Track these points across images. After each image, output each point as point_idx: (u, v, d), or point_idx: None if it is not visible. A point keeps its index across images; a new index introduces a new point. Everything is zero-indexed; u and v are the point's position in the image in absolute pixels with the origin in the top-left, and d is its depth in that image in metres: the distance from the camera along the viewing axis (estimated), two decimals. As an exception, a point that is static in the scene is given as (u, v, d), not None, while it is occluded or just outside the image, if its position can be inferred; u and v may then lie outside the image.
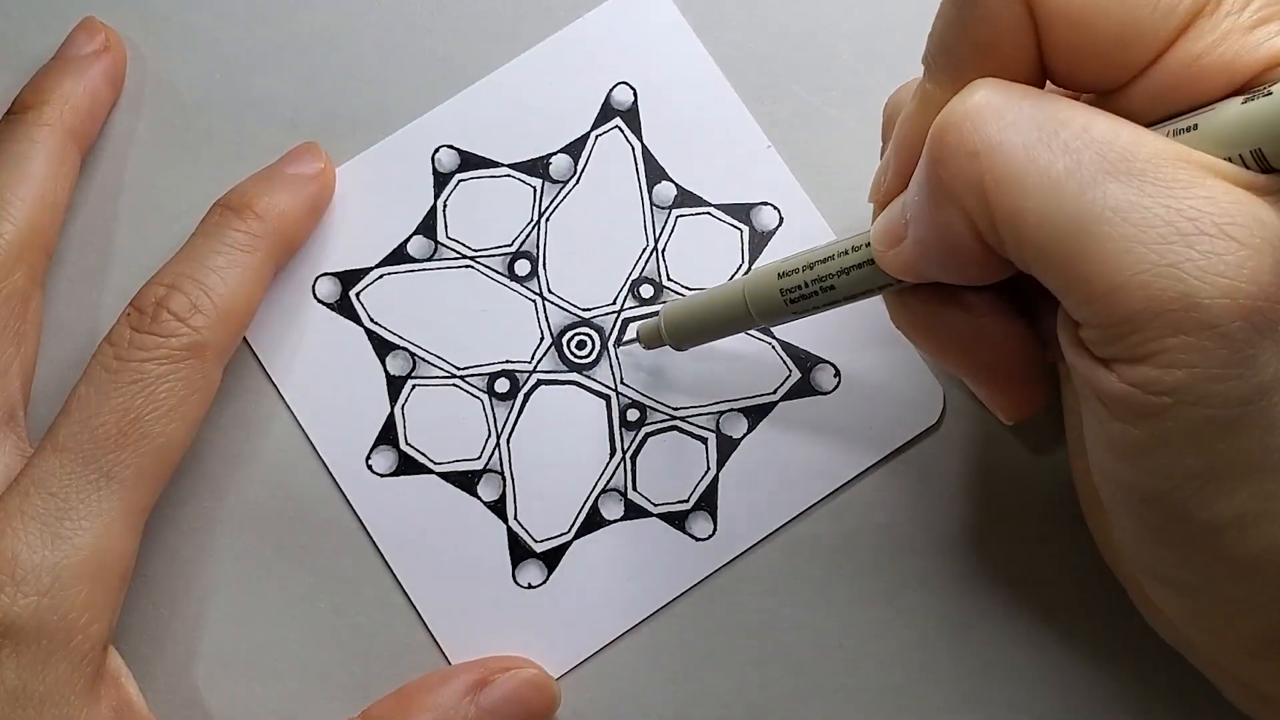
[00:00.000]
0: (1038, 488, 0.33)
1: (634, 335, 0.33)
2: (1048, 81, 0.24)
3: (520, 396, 0.33)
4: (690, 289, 0.34)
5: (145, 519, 0.30)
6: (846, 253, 0.28)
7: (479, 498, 0.33)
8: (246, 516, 0.33)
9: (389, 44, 0.35)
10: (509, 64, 0.35)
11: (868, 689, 0.32)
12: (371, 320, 0.34)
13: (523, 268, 0.34)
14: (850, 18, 0.35)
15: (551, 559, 0.33)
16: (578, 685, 0.32)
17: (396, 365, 0.33)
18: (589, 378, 0.34)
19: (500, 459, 0.33)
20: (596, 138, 0.35)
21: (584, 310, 0.34)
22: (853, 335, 0.33)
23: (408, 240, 0.34)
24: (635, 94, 0.35)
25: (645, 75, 0.35)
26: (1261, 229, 0.21)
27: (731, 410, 0.33)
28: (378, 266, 0.34)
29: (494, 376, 0.33)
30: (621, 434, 0.33)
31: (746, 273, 0.31)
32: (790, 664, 0.32)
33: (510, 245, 0.34)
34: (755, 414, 0.33)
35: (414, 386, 0.33)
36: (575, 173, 0.35)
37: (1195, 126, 0.22)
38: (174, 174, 0.35)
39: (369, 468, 0.33)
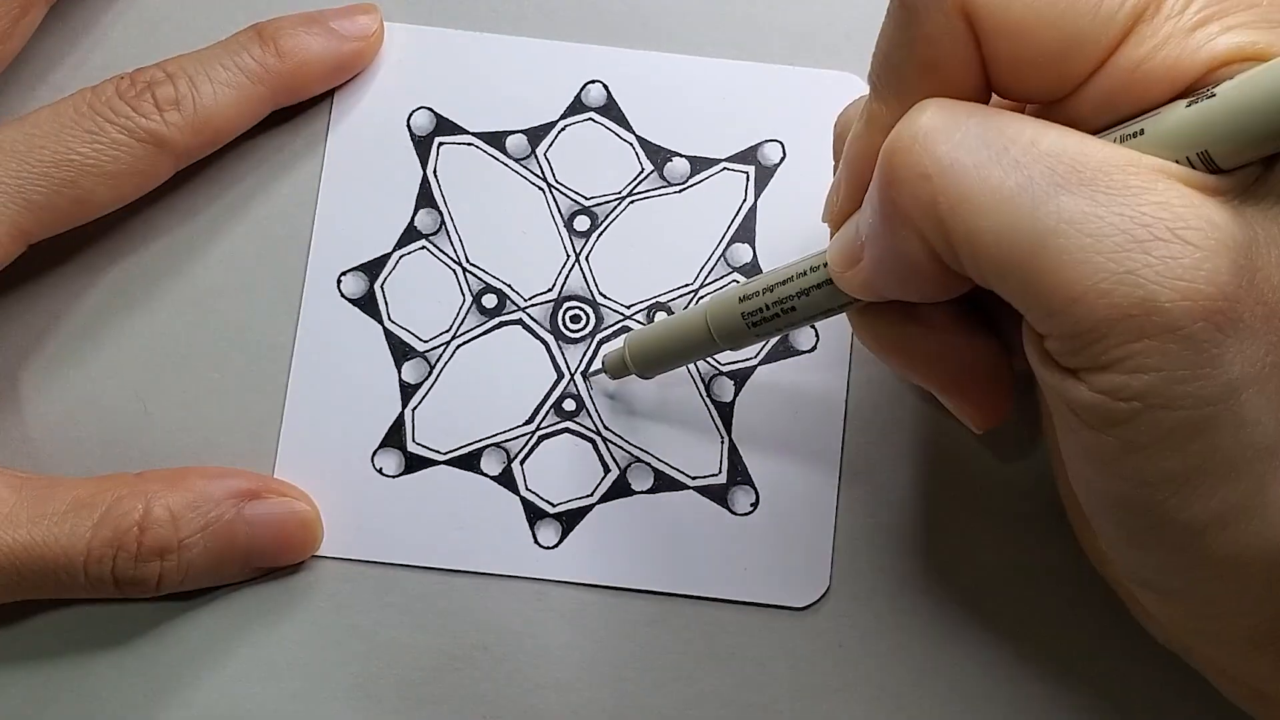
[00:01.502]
0: (1038, 489, 0.33)
1: (600, 365, 0.33)
2: (993, 95, 0.24)
3: (587, 399, 0.34)
4: (601, 194, 0.35)
5: (27, 242, 0.31)
6: (805, 273, 0.28)
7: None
8: None
9: None
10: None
11: (868, 689, 0.32)
12: (442, 453, 0.34)
13: (490, 301, 0.35)
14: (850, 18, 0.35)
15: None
16: (578, 686, 0.33)
17: (492, 464, 0.34)
18: (605, 331, 0.34)
19: (629, 452, 0.34)
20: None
21: (550, 289, 0.34)
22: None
23: (400, 372, 0.34)
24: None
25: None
26: (1215, 230, 0.21)
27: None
28: (404, 409, 0.34)
29: (559, 402, 0.34)
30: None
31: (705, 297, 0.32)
32: (789, 664, 0.33)
33: (465, 300, 0.35)
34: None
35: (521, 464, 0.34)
36: (443, 214, 0.35)
37: (1142, 131, 0.22)
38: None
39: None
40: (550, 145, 0.35)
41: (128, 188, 0.32)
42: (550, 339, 0.34)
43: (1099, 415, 0.22)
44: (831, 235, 0.27)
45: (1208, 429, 0.22)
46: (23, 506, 0.31)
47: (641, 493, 0.34)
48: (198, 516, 0.31)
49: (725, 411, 0.34)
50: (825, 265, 0.27)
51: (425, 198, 0.35)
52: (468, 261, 0.35)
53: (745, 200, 0.35)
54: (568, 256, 0.35)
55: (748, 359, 0.34)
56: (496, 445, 0.34)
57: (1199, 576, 0.24)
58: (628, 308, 0.34)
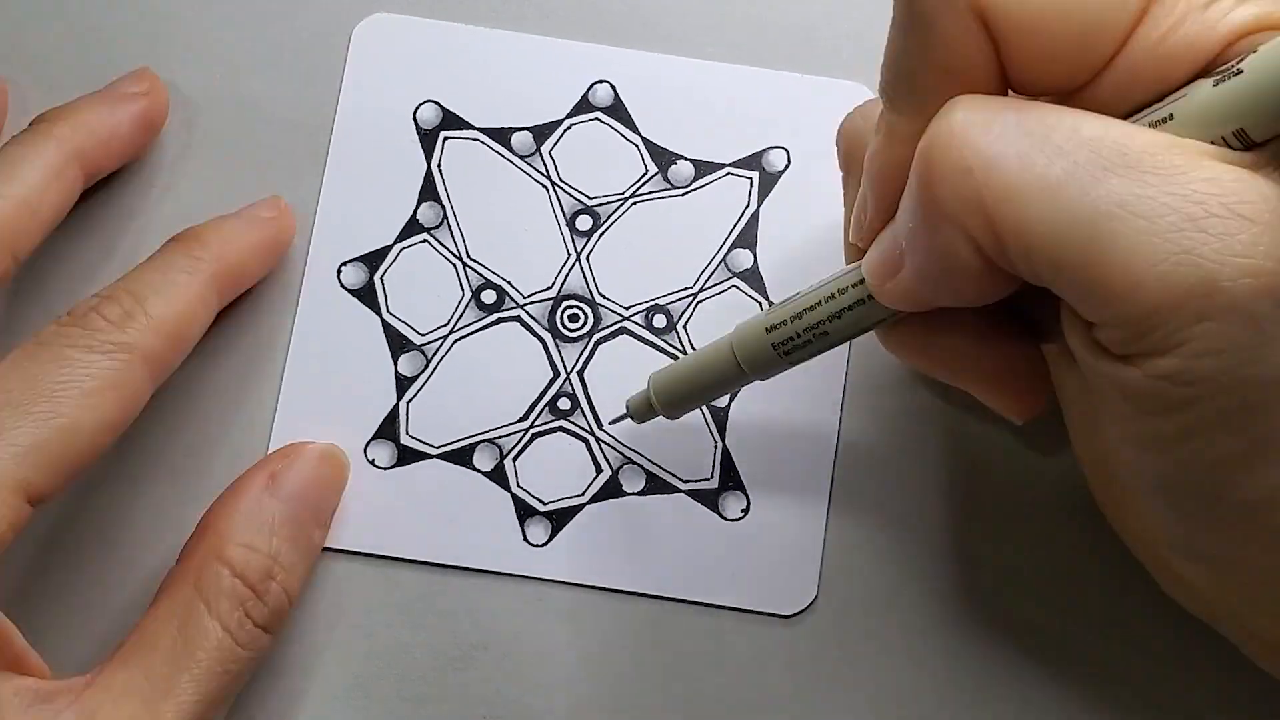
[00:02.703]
0: (1038, 489, 0.33)
1: (624, 411, 0.32)
2: (1010, 91, 0.24)
3: (582, 399, 0.34)
4: (606, 195, 0.35)
5: (34, 501, 0.28)
6: (834, 296, 0.27)
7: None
8: None
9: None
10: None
11: (868, 689, 0.32)
12: (435, 448, 0.34)
13: (489, 297, 0.35)
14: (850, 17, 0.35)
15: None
16: (577, 686, 0.33)
17: (484, 460, 0.34)
18: (603, 330, 0.34)
19: (621, 454, 0.34)
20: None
21: (550, 286, 0.35)
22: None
23: (396, 364, 0.34)
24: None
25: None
26: (1268, 204, 0.21)
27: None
28: (399, 402, 0.34)
29: (553, 401, 0.34)
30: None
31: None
32: (788, 664, 0.33)
33: (464, 295, 0.35)
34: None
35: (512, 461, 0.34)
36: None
37: (1171, 116, 0.22)
38: (173, 175, 0.35)
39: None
40: (556, 144, 0.35)
41: (110, 407, 0.29)
42: (548, 337, 0.34)
43: (1158, 401, 0.22)
44: (847, 254, 0.27)
45: (1266, 410, 0.21)
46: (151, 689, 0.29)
47: (633, 494, 0.34)
48: (262, 531, 0.30)
49: (720, 416, 0.34)
50: (853, 286, 0.27)
51: (429, 191, 0.35)
52: (468, 256, 0.35)
53: (748, 206, 0.35)
54: (568, 255, 0.35)
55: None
56: (489, 441, 0.34)
57: (1251, 550, 0.23)
58: (626, 308, 0.34)
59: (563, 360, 0.34)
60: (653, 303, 0.34)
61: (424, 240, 0.35)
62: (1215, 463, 0.22)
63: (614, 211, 0.35)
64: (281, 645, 0.33)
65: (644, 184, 0.35)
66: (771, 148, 0.35)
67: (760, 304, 0.34)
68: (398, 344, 0.34)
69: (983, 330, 0.27)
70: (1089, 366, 0.23)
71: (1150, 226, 0.21)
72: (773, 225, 0.35)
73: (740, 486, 0.33)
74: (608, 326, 0.34)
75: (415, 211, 0.35)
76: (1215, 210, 0.20)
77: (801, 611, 0.33)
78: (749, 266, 0.34)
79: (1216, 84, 0.21)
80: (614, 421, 0.33)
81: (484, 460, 0.34)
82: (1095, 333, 0.22)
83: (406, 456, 0.34)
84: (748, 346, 0.29)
